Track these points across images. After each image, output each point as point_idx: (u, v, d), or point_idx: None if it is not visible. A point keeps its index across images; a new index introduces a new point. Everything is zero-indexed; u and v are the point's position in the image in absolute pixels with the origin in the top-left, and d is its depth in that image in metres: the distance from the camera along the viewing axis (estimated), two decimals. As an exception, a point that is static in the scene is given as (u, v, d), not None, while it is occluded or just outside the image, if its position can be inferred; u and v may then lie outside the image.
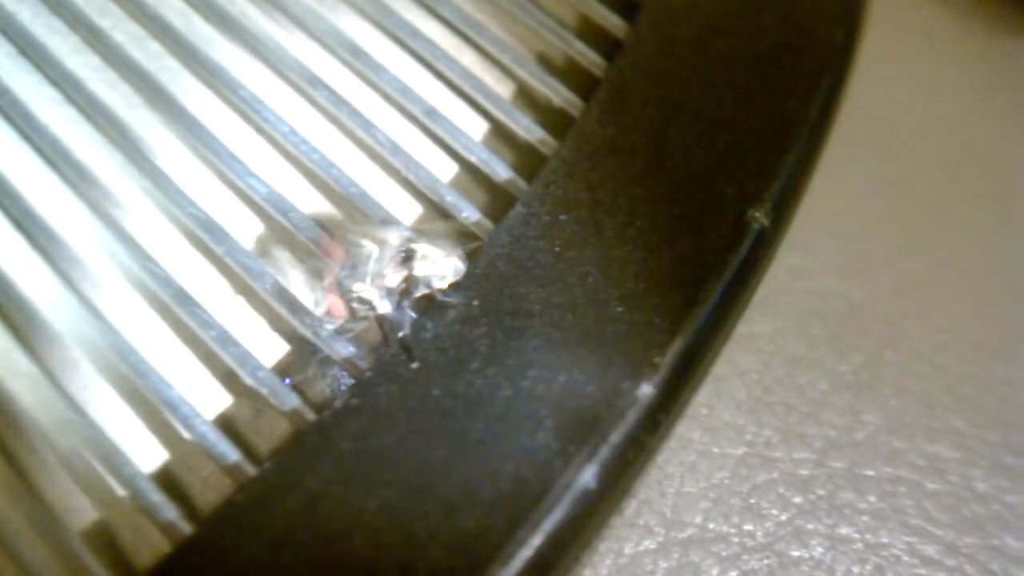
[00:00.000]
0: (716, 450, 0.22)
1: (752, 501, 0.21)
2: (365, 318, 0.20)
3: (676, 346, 0.19)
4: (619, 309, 0.20)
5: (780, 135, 0.22)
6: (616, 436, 0.18)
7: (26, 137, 0.24)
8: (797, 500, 0.21)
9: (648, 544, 0.21)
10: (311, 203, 0.23)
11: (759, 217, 0.20)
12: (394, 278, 0.20)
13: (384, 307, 0.20)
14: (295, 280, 0.21)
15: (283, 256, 0.22)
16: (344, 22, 0.26)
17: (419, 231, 0.21)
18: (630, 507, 0.22)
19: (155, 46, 0.25)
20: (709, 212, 0.21)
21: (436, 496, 0.18)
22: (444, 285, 0.20)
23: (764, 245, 0.20)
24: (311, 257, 0.22)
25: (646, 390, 0.18)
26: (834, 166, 0.23)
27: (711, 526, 0.21)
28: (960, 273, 0.25)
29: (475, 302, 0.20)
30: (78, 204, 0.23)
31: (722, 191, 0.21)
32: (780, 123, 0.22)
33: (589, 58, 0.25)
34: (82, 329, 0.21)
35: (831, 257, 0.24)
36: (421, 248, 0.20)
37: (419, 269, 0.20)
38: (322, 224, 0.22)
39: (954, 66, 0.29)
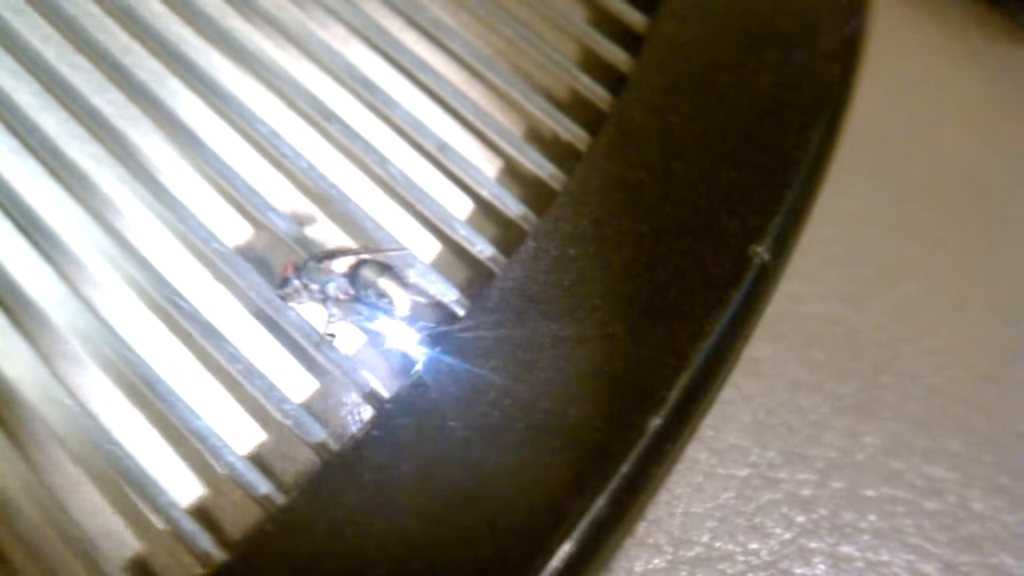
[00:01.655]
0: (722, 471, 0.23)
1: (756, 520, 0.22)
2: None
3: (683, 379, 0.20)
4: (627, 342, 0.21)
5: (780, 170, 0.22)
6: (626, 467, 0.19)
7: (54, 172, 0.25)
8: (800, 519, 0.22)
9: (657, 563, 0.22)
10: (329, 237, 0.24)
11: (760, 252, 0.21)
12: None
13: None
14: (316, 313, 0.22)
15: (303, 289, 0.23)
16: (356, 56, 0.27)
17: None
18: (640, 527, 0.22)
19: (176, 83, 0.26)
20: (712, 247, 0.22)
21: (455, 525, 0.19)
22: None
23: (766, 279, 0.21)
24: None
25: (655, 422, 0.19)
26: (832, 192, 0.24)
27: (717, 545, 0.22)
28: (954, 297, 0.25)
29: (488, 335, 0.21)
30: (104, 236, 0.23)
31: (725, 226, 0.22)
32: (780, 158, 0.23)
33: (595, 92, 0.26)
34: (111, 357, 0.22)
35: (830, 283, 0.25)
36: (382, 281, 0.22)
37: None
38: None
39: (951, 89, 0.29)
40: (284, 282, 0.22)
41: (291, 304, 0.22)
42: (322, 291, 0.22)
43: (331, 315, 0.22)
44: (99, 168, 0.25)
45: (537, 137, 0.26)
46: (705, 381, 0.20)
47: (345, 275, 0.22)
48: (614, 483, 0.19)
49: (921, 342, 0.25)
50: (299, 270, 0.22)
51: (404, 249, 0.23)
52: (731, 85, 0.24)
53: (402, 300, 0.22)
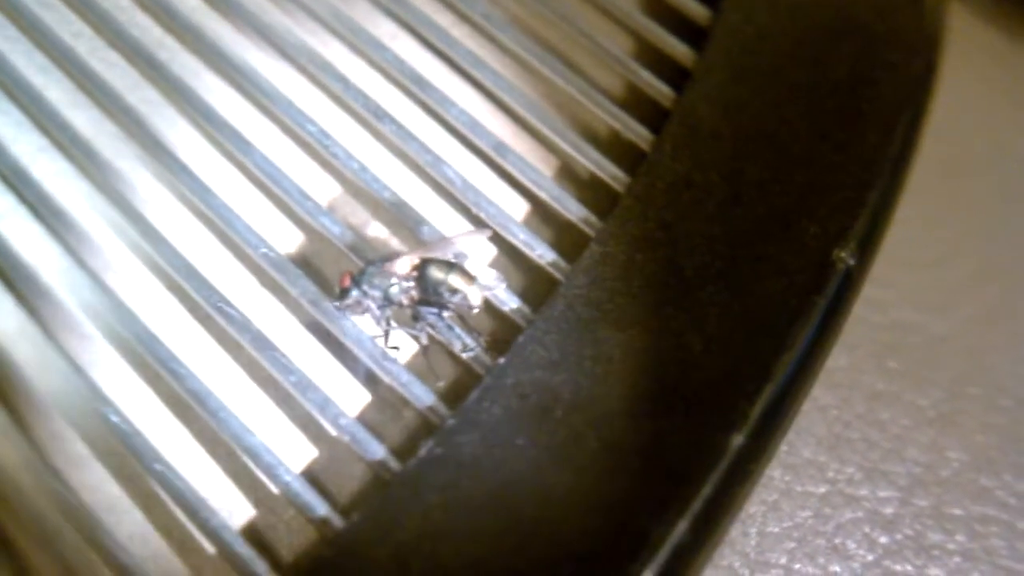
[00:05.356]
0: (798, 488, 0.22)
1: (837, 541, 0.21)
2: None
3: (766, 394, 0.19)
4: (704, 354, 0.19)
5: (862, 170, 0.21)
6: (709, 488, 0.18)
7: (86, 172, 0.24)
8: (883, 540, 0.21)
9: (731, 586, 0.21)
10: (382, 241, 0.23)
11: (845, 257, 0.20)
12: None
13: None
14: (372, 323, 0.21)
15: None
16: (406, 52, 0.26)
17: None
18: (711, 548, 0.21)
19: (214, 78, 0.25)
20: (792, 252, 0.20)
21: (527, 552, 0.18)
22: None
23: (850, 285, 0.20)
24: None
25: (737, 440, 0.18)
26: (909, 193, 0.23)
27: (796, 567, 0.21)
28: (1041, 302, 0.24)
29: (555, 346, 0.20)
30: (145, 241, 0.22)
31: (804, 229, 0.21)
32: (862, 157, 0.21)
33: (657, 88, 0.25)
34: (158, 370, 0.21)
35: (907, 289, 0.24)
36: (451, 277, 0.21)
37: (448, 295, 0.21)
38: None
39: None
40: (343, 292, 0.21)
41: (351, 315, 0.21)
42: (385, 296, 0.20)
43: (386, 322, 0.21)
44: (136, 169, 0.24)
45: (596, 136, 0.25)
46: (789, 395, 0.19)
47: (408, 277, 0.21)
48: (696, 506, 0.18)
49: (1005, 350, 0.23)
50: (358, 277, 0.21)
51: (485, 230, 0.22)
52: (804, 80, 0.23)
53: (475, 295, 0.20)
